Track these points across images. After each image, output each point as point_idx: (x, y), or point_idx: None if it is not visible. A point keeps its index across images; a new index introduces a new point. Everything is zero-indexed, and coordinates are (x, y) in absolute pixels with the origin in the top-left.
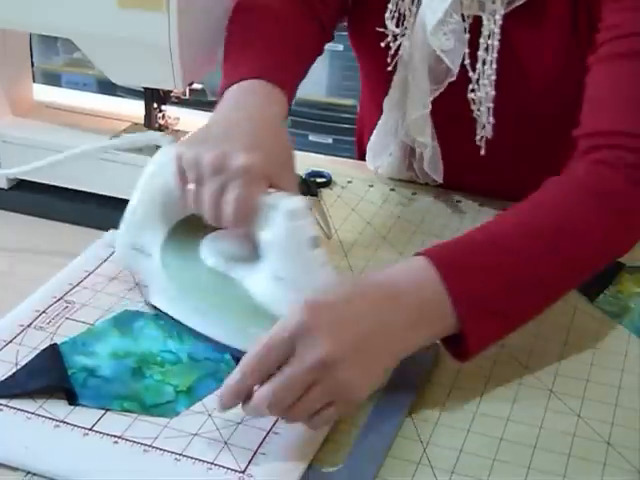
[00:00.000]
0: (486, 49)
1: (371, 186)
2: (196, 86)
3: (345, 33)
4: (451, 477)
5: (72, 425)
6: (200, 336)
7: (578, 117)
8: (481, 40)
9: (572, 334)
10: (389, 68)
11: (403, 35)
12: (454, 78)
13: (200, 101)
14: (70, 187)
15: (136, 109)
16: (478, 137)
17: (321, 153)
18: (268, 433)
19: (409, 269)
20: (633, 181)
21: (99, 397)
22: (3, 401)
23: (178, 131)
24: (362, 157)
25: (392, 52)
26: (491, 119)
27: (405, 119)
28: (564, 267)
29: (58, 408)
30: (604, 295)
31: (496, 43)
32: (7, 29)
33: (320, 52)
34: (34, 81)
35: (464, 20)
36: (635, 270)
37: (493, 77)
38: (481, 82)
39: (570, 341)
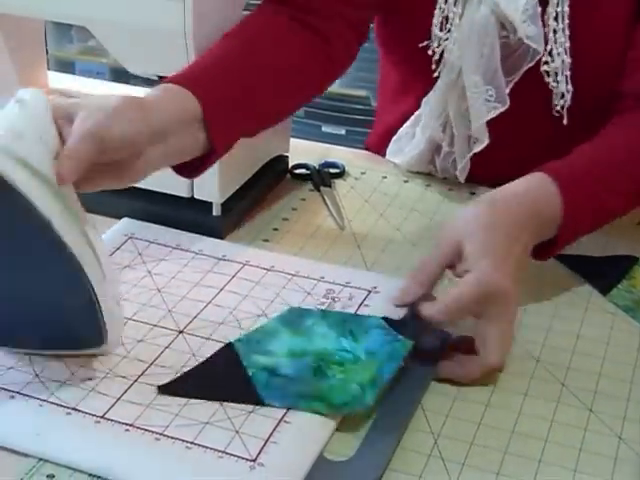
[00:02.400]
0: (555, 18)
1: (385, 177)
2: None
3: None
4: (462, 469)
5: (84, 413)
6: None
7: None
8: (549, 9)
9: (585, 328)
10: (435, 74)
11: (446, 39)
12: (533, 62)
13: None
14: None
15: None
16: (558, 107)
17: (334, 144)
18: (280, 422)
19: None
20: None
21: (285, 397)
22: (15, 388)
23: None
24: (374, 145)
25: (437, 57)
26: (570, 87)
27: (451, 118)
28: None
29: (70, 395)
30: (617, 289)
31: (566, 9)
32: (22, 16)
33: (320, 88)
34: (48, 69)
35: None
36: None
37: (567, 44)
38: (554, 52)
39: (583, 335)
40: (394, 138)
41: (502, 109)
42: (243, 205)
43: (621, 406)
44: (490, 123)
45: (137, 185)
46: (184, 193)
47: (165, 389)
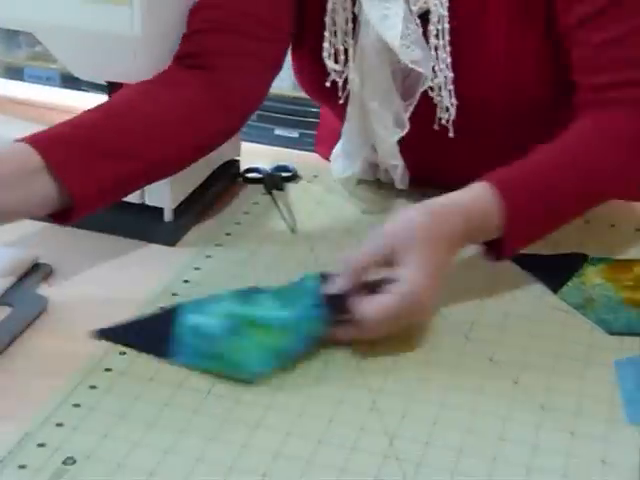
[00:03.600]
0: (436, 35)
1: (336, 180)
2: None
3: None
4: (417, 469)
5: None
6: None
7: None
8: (430, 27)
9: (536, 326)
10: (340, 102)
11: (342, 71)
12: (428, 84)
13: None
14: None
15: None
16: (443, 121)
17: (287, 147)
18: None
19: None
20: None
21: (192, 355)
22: None
23: None
24: (321, 150)
25: (340, 86)
26: (454, 100)
27: (370, 146)
28: (590, 199)
29: None
30: (568, 287)
31: (446, 26)
32: None
33: (219, 140)
34: None
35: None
36: (598, 261)
37: (449, 60)
38: (436, 68)
39: (535, 333)
40: (331, 156)
41: (402, 133)
42: (195, 210)
43: (573, 402)
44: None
45: None
46: (135, 199)
47: (100, 333)
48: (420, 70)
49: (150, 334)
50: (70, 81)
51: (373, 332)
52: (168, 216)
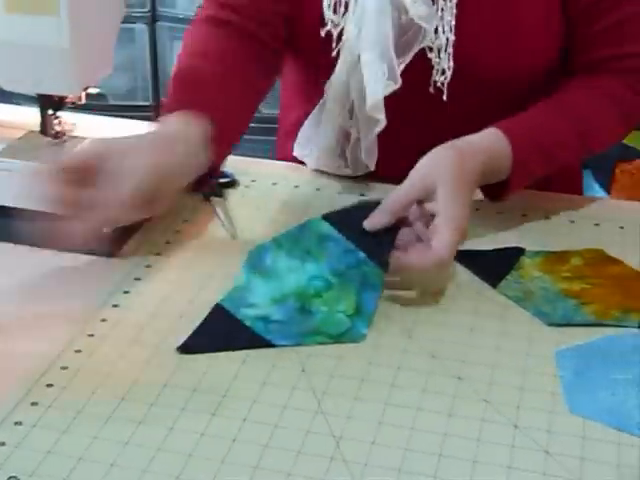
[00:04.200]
0: None
1: (275, 184)
2: (92, 90)
3: None
4: (364, 470)
5: None
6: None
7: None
8: None
9: (477, 321)
10: (333, 53)
11: (337, 24)
12: (428, 44)
13: (100, 105)
14: None
15: (32, 116)
16: (439, 84)
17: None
18: None
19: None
20: None
21: (289, 336)
22: None
23: (76, 137)
24: (281, 144)
25: (335, 37)
26: (451, 64)
27: (354, 102)
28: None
29: None
30: (506, 280)
31: None
32: None
33: (267, 88)
34: None
35: None
36: (535, 255)
37: (453, 22)
38: (439, 29)
39: (476, 327)
40: (300, 132)
41: (395, 87)
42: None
43: (515, 395)
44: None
45: (21, 205)
46: None
47: (184, 348)
48: (425, 26)
49: (226, 333)
50: (0, 94)
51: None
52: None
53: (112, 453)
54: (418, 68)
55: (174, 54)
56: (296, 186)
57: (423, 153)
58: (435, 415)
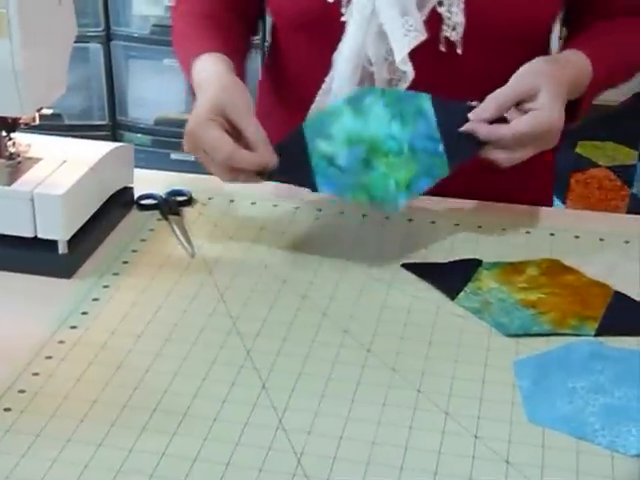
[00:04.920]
0: None
1: (232, 201)
2: (46, 111)
3: None
4: None
5: None
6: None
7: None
8: None
9: (436, 333)
10: (343, 18)
11: None
12: None
13: (56, 125)
14: None
15: None
16: (451, 38)
17: (185, 171)
18: None
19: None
20: None
21: (336, 186)
22: None
23: (31, 158)
24: None
25: (345, 0)
26: (463, 19)
27: (372, 65)
28: (631, 73)
29: None
30: (464, 292)
31: None
32: None
33: (251, 43)
34: None
35: None
36: (492, 266)
37: None
38: None
39: (435, 340)
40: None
41: (422, 38)
42: (90, 241)
43: (475, 406)
44: None
45: None
46: (27, 233)
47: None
48: None
49: (292, 164)
50: None
51: (513, 152)
52: (62, 248)
53: (72, 476)
54: (429, 25)
55: (129, 73)
56: (253, 203)
57: None
58: (396, 428)
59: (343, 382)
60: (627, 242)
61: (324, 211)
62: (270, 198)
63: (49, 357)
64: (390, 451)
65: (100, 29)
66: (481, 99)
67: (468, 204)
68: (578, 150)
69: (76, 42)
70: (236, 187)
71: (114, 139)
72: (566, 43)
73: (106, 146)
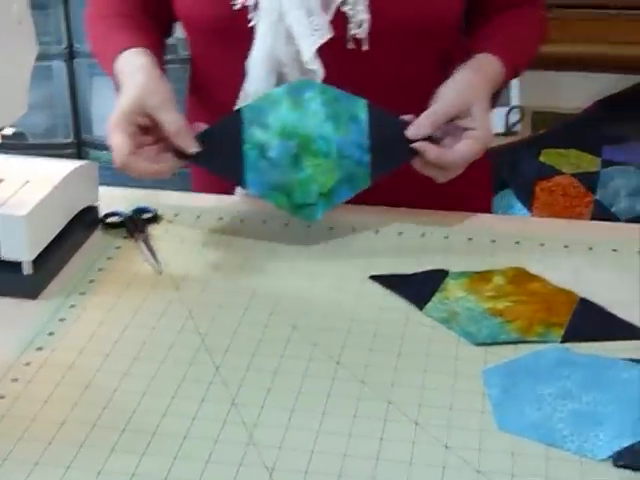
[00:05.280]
0: None
1: (198, 217)
2: (7, 131)
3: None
4: None
5: None
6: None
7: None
8: None
9: (405, 344)
10: (251, 24)
11: None
12: None
13: (20, 144)
14: None
15: None
16: (357, 35)
17: (151, 187)
18: None
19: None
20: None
21: (262, 185)
22: None
23: None
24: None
25: (252, 6)
26: (367, 16)
27: (284, 68)
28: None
29: None
30: (432, 303)
31: None
32: None
33: (165, 43)
34: None
35: None
36: (459, 275)
37: None
38: None
39: (404, 351)
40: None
41: (329, 36)
42: (55, 260)
43: (445, 415)
44: None
45: None
46: None
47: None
48: None
49: (222, 151)
50: None
51: (455, 173)
52: (27, 269)
53: None
54: (336, 24)
55: (93, 90)
56: (220, 218)
57: None
58: (367, 440)
59: (313, 395)
60: (591, 248)
61: (291, 225)
62: (237, 213)
63: (15, 379)
64: (361, 463)
65: (63, 46)
66: (389, 95)
67: (434, 215)
68: (542, 158)
69: (38, 60)
70: (203, 203)
71: (79, 157)
72: (470, 41)
73: (70, 164)
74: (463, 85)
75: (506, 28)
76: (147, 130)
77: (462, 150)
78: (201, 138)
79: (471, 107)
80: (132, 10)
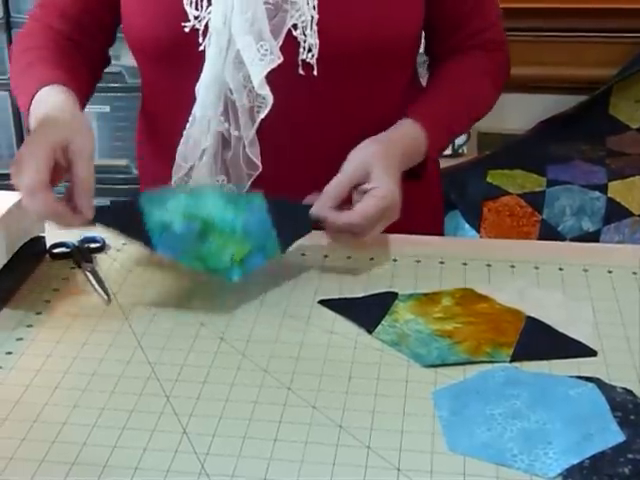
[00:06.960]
0: None
1: None
2: None
3: (111, 94)
4: None
5: None
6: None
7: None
8: None
9: (355, 368)
10: (200, 48)
11: (200, 18)
12: (293, 22)
13: None
14: None
15: None
16: (308, 60)
17: None
18: None
19: (406, 129)
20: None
21: (174, 249)
22: None
23: None
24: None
25: (201, 32)
26: (317, 40)
27: (232, 94)
28: (472, 121)
29: None
30: (382, 326)
31: None
32: None
33: (100, 75)
34: None
35: None
36: (407, 298)
37: (315, 1)
38: (304, 7)
39: (354, 375)
40: (178, 151)
41: (279, 61)
42: (1, 293)
43: (397, 439)
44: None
45: None
46: None
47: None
48: (287, 6)
49: (127, 221)
50: None
51: (364, 234)
52: None
53: None
54: (286, 49)
55: None
56: None
57: (303, 143)
58: (319, 466)
59: (264, 423)
60: (537, 268)
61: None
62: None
63: None
64: None
65: (5, 77)
66: (342, 121)
67: (383, 238)
68: (489, 179)
69: None
70: None
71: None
72: (427, 84)
73: (14, 196)
74: (361, 154)
75: (454, 83)
76: (58, 170)
77: (363, 209)
78: (99, 213)
79: (370, 172)
80: (55, 40)
